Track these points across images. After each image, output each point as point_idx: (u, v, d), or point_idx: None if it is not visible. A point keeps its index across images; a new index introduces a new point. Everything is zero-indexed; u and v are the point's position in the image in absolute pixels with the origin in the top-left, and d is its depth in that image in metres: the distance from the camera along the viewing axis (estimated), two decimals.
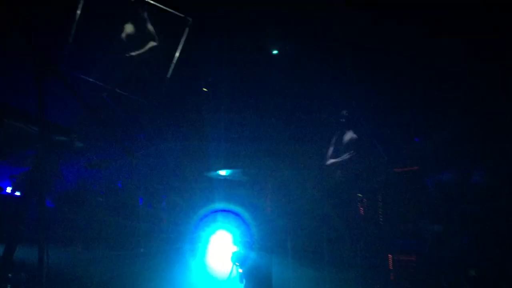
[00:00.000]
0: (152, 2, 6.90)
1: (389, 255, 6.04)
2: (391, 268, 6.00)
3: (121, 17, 6.90)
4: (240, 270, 4.94)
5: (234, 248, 5.27)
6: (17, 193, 5.51)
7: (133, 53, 7.00)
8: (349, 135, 6.93)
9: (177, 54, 7.19)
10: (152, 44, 7.09)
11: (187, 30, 7.10)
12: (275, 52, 8.07)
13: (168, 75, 7.24)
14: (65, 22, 6.62)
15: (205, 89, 7.84)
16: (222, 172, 5.87)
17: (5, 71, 6.16)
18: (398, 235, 5.79)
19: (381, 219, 6.76)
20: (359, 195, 6.88)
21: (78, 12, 6.58)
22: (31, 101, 2.10)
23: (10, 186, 5.44)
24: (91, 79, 6.90)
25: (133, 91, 7.16)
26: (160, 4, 6.96)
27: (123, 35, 6.97)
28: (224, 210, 5.74)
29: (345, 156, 6.92)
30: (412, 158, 6.39)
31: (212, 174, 5.93)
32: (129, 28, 6.99)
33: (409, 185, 5.85)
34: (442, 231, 5.19)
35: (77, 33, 6.64)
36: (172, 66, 7.23)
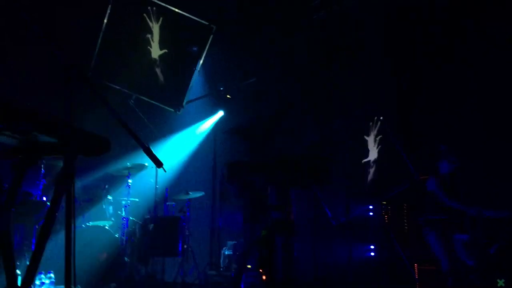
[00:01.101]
0: (176, 10, 6.99)
1: (415, 265, 5.94)
2: (416, 277, 5.90)
3: (146, 25, 7.01)
4: None
5: None
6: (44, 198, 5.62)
7: (157, 61, 7.11)
8: (374, 144, 6.88)
9: (200, 61, 7.25)
10: (175, 51, 7.18)
11: (211, 37, 7.15)
12: None
13: (192, 82, 7.31)
14: (92, 31, 6.77)
15: (228, 96, 7.88)
16: None
17: (34, 80, 6.34)
18: (424, 243, 5.68)
19: (406, 227, 6.67)
20: (384, 202, 6.80)
21: (105, 21, 6.71)
22: (59, 109, 2.16)
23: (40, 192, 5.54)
24: (117, 87, 7.02)
25: (157, 98, 7.25)
26: (184, 12, 7.03)
27: (148, 43, 7.08)
28: None
29: (371, 164, 6.88)
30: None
31: None
32: (153, 36, 7.09)
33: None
34: (468, 240, 5.07)
35: (104, 42, 6.77)
36: (196, 73, 7.30)
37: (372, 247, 6.71)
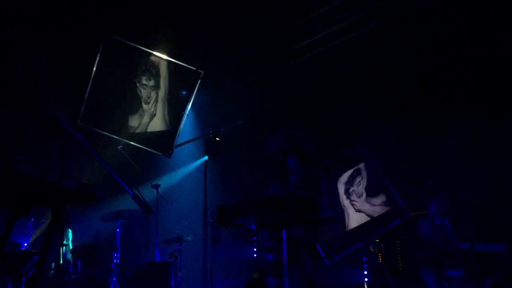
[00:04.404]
0: (164, 56, 7.14)
1: None
2: None
3: (135, 72, 7.14)
4: None
5: None
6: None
7: (146, 106, 7.20)
8: (364, 182, 6.91)
9: (189, 106, 7.34)
10: (164, 97, 7.30)
11: (198, 82, 7.27)
12: None
13: (181, 126, 7.37)
14: (81, 78, 6.88)
15: (217, 139, 7.93)
16: None
17: (22, 130, 6.39)
18: (418, 281, 5.66)
19: (401, 265, 6.61)
20: (377, 240, 6.77)
21: (94, 68, 6.82)
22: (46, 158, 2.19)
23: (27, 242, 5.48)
24: (107, 133, 7.05)
25: (146, 143, 7.29)
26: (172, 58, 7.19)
27: (137, 89, 7.19)
28: None
29: (362, 202, 6.89)
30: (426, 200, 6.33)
31: None
32: (142, 82, 7.21)
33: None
34: (462, 275, 5.06)
35: (93, 89, 6.86)
36: (185, 117, 7.37)
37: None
